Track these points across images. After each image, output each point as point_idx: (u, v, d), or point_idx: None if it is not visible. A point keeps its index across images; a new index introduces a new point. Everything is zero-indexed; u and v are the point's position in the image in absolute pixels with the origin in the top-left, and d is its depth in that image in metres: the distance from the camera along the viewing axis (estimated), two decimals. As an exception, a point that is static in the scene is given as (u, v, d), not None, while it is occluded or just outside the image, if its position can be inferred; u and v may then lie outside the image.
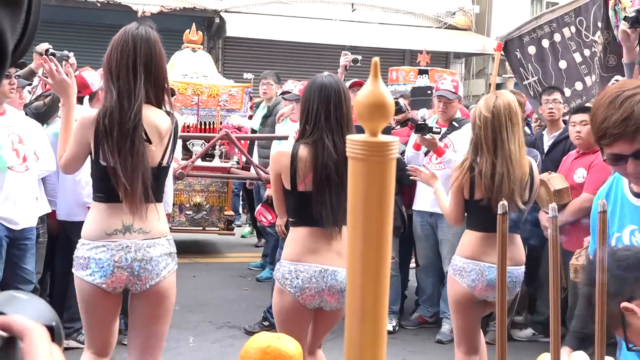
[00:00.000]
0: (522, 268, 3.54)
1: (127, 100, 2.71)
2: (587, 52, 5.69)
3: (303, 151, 2.88)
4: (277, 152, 2.97)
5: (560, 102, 5.32)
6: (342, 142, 2.81)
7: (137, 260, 2.75)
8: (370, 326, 0.47)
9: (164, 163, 2.86)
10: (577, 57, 5.73)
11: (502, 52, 6.07)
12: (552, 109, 5.32)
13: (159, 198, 2.86)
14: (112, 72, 2.76)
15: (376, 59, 0.47)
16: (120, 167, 2.68)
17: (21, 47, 0.61)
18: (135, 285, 2.77)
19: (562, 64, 5.83)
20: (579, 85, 5.77)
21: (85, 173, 3.75)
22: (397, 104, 5.46)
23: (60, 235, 4.57)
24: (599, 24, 5.53)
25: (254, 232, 8.34)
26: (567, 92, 5.80)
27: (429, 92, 5.75)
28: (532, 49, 5.91)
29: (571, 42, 5.75)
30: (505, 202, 0.91)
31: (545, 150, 5.36)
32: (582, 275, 4.42)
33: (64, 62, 4.59)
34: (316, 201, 2.85)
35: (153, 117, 2.80)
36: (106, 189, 2.77)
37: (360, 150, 0.46)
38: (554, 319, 1.19)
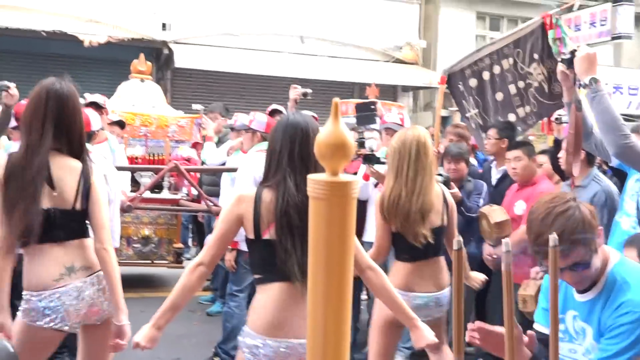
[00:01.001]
0: (446, 291, 3.69)
1: (32, 152, 2.83)
2: (521, 84, 5.88)
3: (267, 194, 2.64)
4: (238, 196, 2.71)
5: (491, 138, 5.48)
6: (305, 185, 2.57)
7: (91, 298, 2.90)
8: (331, 367, 0.47)
9: (77, 207, 2.91)
10: (512, 89, 5.91)
11: (446, 85, 6.20)
12: (486, 144, 5.50)
13: (85, 235, 2.97)
14: (24, 126, 2.91)
15: (336, 99, 0.47)
16: (24, 212, 2.78)
17: None
18: (91, 320, 2.95)
19: (499, 96, 6.00)
20: (511, 117, 5.94)
21: None
22: (362, 138, 5.50)
23: None
24: (535, 56, 5.73)
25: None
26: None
27: (372, 107, 5.84)
28: (473, 82, 6.06)
29: (508, 73, 5.93)
30: (460, 238, 0.92)
31: (494, 182, 5.47)
32: (531, 304, 4.53)
33: (3, 93, 4.50)
34: (280, 250, 2.57)
35: (63, 163, 2.91)
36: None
37: (322, 190, 0.46)
38: (509, 350, 1.21)
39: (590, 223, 2.12)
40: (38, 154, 2.83)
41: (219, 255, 2.72)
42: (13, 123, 4.31)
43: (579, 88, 3.02)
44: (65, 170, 2.90)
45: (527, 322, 4.78)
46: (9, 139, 4.74)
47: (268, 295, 2.62)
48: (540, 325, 2.46)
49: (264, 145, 5.10)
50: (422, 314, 3.49)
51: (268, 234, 2.61)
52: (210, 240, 2.72)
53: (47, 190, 2.85)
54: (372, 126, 6.02)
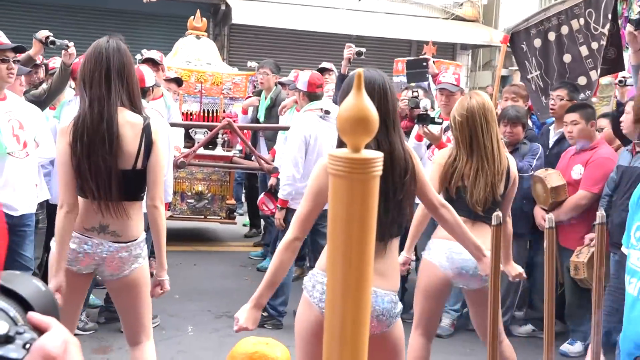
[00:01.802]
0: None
1: (99, 105, 2.89)
2: (594, 45, 5.59)
3: None
4: (322, 165, 2.56)
5: (562, 99, 5.26)
6: (387, 143, 2.53)
7: (103, 258, 2.99)
8: (349, 350, 0.45)
9: (139, 166, 2.96)
10: (584, 51, 5.64)
11: (509, 45, 6.00)
12: (553, 104, 5.28)
13: (133, 198, 3.03)
14: (85, 82, 2.94)
15: (360, 70, 0.44)
16: (88, 170, 2.88)
17: None
18: (102, 273, 3.06)
19: (567, 58, 5.74)
20: (582, 80, 5.68)
21: None
22: (416, 97, 5.39)
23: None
24: (609, 16, 5.45)
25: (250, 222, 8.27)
26: None
27: (424, 64, 5.71)
28: (537, 42, 5.82)
29: (579, 34, 5.66)
30: (500, 213, 0.88)
31: (551, 144, 5.32)
32: (583, 271, 4.43)
33: (62, 51, 4.57)
34: None
35: (125, 120, 2.94)
36: (82, 189, 2.97)
37: (342, 166, 0.43)
38: (548, 322, 1.17)
39: None
40: (106, 109, 2.88)
41: (310, 227, 2.66)
42: None
43: None
44: (127, 126, 2.93)
45: (578, 289, 4.72)
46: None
47: None
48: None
49: (314, 104, 5.07)
50: (463, 278, 3.45)
51: None
52: (301, 215, 2.61)
53: (118, 149, 2.90)
54: (422, 84, 5.90)
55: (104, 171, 2.87)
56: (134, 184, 2.99)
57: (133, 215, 3.02)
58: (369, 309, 0.46)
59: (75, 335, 4.17)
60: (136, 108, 2.99)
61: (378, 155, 0.45)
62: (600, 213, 1.13)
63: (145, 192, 3.03)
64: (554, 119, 5.52)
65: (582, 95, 5.64)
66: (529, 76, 5.91)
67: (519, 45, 5.91)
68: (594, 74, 5.58)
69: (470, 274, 3.42)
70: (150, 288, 3.14)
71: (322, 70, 6.49)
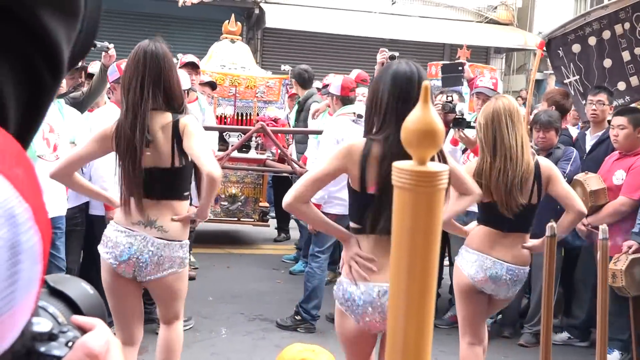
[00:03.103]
0: (526, 269, 3.54)
1: (133, 111, 2.99)
2: (637, 51, 5.49)
3: (375, 149, 2.57)
4: (349, 145, 2.65)
5: (604, 103, 5.17)
6: None
7: (149, 255, 3.04)
8: (412, 363, 0.45)
9: (177, 164, 3.06)
10: (626, 56, 5.53)
11: (544, 50, 5.93)
12: (595, 110, 5.19)
13: (179, 197, 3.13)
14: (124, 87, 3.06)
15: (427, 83, 0.44)
16: (128, 171, 3.01)
17: (75, 54, 0.63)
18: (139, 274, 3.09)
19: (607, 63, 5.64)
20: (621, 85, 5.58)
21: (103, 168, 4.16)
22: (450, 102, 5.34)
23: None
24: None
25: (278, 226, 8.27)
26: None
27: (459, 68, 5.66)
28: (576, 47, 5.74)
29: (622, 39, 5.55)
30: (554, 224, 0.87)
31: (587, 149, 5.24)
32: (621, 279, 4.35)
33: (102, 53, 4.65)
34: (379, 206, 2.52)
35: (157, 121, 3.04)
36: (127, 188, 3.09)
37: (407, 179, 0.43)
38: (601, 336, 1.15)
39: None
40: (138, 115, 2.98)
41: (311, 196, 2.69)
42: (116, 76, 4.43)
43: None
44: (158, 127, 3.03)
45: (616, 297, 4.63)
46: (109, 97, 4.91)
47: (369, 244, 2.64)
48: None
49: (347, 109, 5.07)
50: (492, 286, 3.42)
51: (373, 190, 2.59)
52: (306, 178, 2.64)
53: (143, 150, 3.01)
54: (458, 88, 5.85)
55: (135, 174, 3.00)
56: (174, 181, 3.10)
57: (178, 213, 3.11)
58: (431, 321, 0.46)
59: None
60: (175, 108, 3.08)
61: (444, 169, 0.44)
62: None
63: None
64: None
65: (621, 101, 5.55)
66: (566, 81, 5.83)
67: (555, 51, 5.84)
68: (634, 80, 5.48)
69: (499, 282, 3.41)
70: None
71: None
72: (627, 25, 5.46)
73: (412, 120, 0.44)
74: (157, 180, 3.04)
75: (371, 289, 2.60)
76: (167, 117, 3.04)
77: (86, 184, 3.32)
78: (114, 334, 4.40)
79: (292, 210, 2.69)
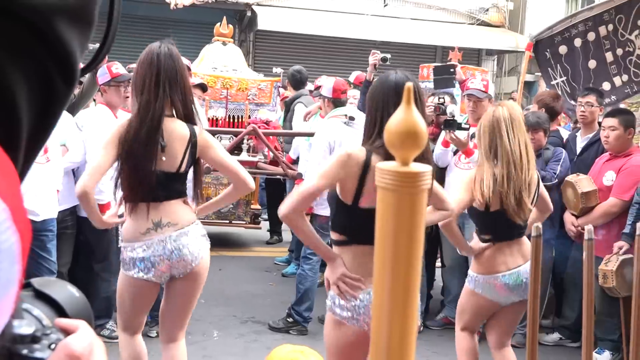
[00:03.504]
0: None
1: (146, 111, 2.95)
2: (619, 52, 5.55)
3: (375, 160, 2.52)
4: (347, 155, 2.58)
5: (593, 105, 5.21)
6: None
7: (175, 250, 3.04)
8: (396, 364, 0.45)
9: (182, 170, 3.08)
10: (609, 57, 5.60)
11: (532, 52, 5.97)
12: (583, 111, 5.22)
13: (177, 197, 3.12)
14: (137, 87, 3.01)
15: (410, 85, 0.44)
16: (131, 171, 2.97)
17: (94, 63, 0.64)
18: (177, 270, 3.09)
19: (592, 64, 5.71)
20: (606, 86, 5.65)
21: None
22: (441, 104, 5.36)
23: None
24: (639, 22, 5.40)
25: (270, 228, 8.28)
26: None
27: (451, 70, 5.68)
28: (563, 49, 5.80)
29: (606, 40, 5.61)
30: (540, 225, 0.87)
31: (578, 151, 5.26)
32: (612, 280, 4.37)
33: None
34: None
35: (172, 127, 3.02)
36: (130, 190, 3.07)
37: (390, 180, 0.43)
38: (586, 335, 1.16)
39: None
40: (151, 117, 2.95)
41: (307, 208, 2.74)
42: (107, 78, 4.42)
43: None
44: (174, 136, 3.01)
45: (607, 297, 4.65)
46: (95, 102, 4.89)
47: (351, 252, 2.63)
48: None
49: (338, 111, 5.08)
50: (519, 292, 3.40)
51: (367, 203, 2.54)
52: (303, 191, 2.62)
53: (158, 154, 2.99)
54: (449, 90, 5.87)
55: (149, 174, 2.97)
56: (176, 184, 3.11)
57: (180, 206, 3.11)
58: (415, 323, 0.46)
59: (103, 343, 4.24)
60: (188, 115, 3.07)
61: (427, 169, 0.45)
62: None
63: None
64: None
65: (607, 100, 5.59)
66: (553, 82, 5.88)
67: (542, 52, 5.89)
68: (617, 80, 5.54)
69: (523, 287, 3.40)
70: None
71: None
72: (610, 27, 5.52)
73: (395, 121, 0.44)
74: (162, 184, 3.04)
75: (368, 292, 2.61)
76: (184, 126, 3.04)
77: (95, 206, 3.16)
78: (116, 324, 4.39)
79: (288, 222, 2.69)
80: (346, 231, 2.66)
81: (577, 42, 5.72)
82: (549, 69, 5.86)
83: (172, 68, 2.98)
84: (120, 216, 3.23)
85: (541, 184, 3.54)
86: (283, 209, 2.62)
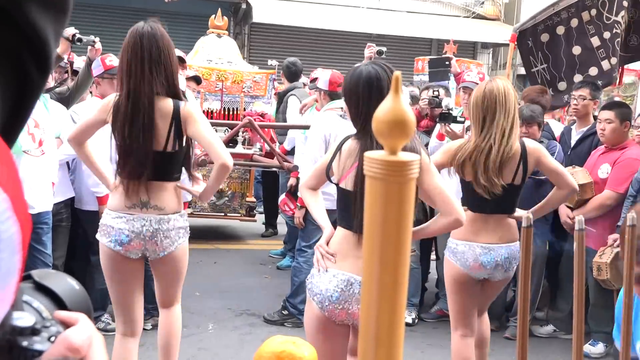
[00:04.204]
0: (516, 244, 3.52)
1: (135, 95, 3.01)
2: (606, 35, 5.53)
3: (351, 143, 2.70)
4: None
5: (585, 98, 5.20)
6: None
7: (152, 233, 3.11)
8: (385, 353, 0.45)
9: (169, 149, 3.09)
10: (595, 41, 5.58)
11: (516, 43, 5.93)
12: (576, 104, 5.23)
13: (169, 179, 3.17)
14: (123, 70, 3.04)
15: (397, 73, 0.44)
16: (125, 152, 3.05)
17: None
18: (149, 252, 3.17)
19: (576, 50, 5.68)
20: (593, 71, 5.63)
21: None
22: (436, 97, 5.35)
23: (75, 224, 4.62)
24: (624, 3, 5.39)
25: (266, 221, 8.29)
26: (579, 78, 5.69)
27: (447, 62, 5.67)
28: (545, 37, 5.77)
29: (589, 25, 5.60)
30: (530, 215, 0.88)
31: (572, 144, 5.27)
32: (606, 272, 4.39)
33: (89, 47, 4.62)
34: (354, 200, 2.63)
35: (158, 107, 3.06)
36: (121, 168, 3.14)
37: (378, 169, 0.43)
38: (577, 326, 1.16)
39: None
40: (142, 99, 3.00)
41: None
42: (100, 70, 4.41)
43: None
44: (158, 114, 3.05)
45: (601, 289, 4.67)
46: (91, 94, 4.88)
47: (336, 237, 2.74)
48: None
49: (334, 104, 5.07)
50: (488, 270, 3.43)
51: (343, 183, 2.70)
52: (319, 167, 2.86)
53: (150, 133, 3.05)
54: (444, 83, 5.87)
55: (139, 153, 3.03)
56: (166, 164, 3.14)
57: (170, 191, 3.16)
58: (403, 312, 0.46)
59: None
60: (174, 93, 3.11)
61: (415, 158, 0.45)
62: (632, 215, 1.11)
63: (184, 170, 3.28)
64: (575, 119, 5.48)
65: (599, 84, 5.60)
66: (533, 69, 5.86)
67: (524, 42, 5.87)
68: (605, 64, 5.54)
69: (494, 266, 3.42)
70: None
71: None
72: (593, 12, 5.51)
73: (383, 110, 0.44)
74: (151, 163, 3.07)
75: (337, 275, 2.67)
76: (168, 102, 3.07)
77: (94, 159, 3.28)
78: (114, 323, 4.44)
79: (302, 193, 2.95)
80: (337, 209, 2.83)
81: (560, 29, 5.70)
82: (530, 56, 5.85)
83: (157, 48, 3.01)
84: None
85: (545, 157, 3.47)
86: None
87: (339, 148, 2.72)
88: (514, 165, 3.37)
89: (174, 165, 3.19)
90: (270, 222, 8.03)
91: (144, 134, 3.02)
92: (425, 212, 5.09)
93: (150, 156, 3.06)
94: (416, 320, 5.30)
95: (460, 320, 3.51)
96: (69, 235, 4.56)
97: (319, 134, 4.88)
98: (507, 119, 3.30)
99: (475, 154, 3.33)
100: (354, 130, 2.76)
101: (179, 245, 3.22)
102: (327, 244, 2.74)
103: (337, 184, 2.74)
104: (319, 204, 2.91)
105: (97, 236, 3.18)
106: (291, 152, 6.40)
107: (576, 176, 4.68)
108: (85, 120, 3.24)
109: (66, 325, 0.67)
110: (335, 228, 2.79)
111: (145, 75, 3.00)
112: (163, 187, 3.14)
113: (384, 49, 5.42)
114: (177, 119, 3.07)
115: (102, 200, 4.35)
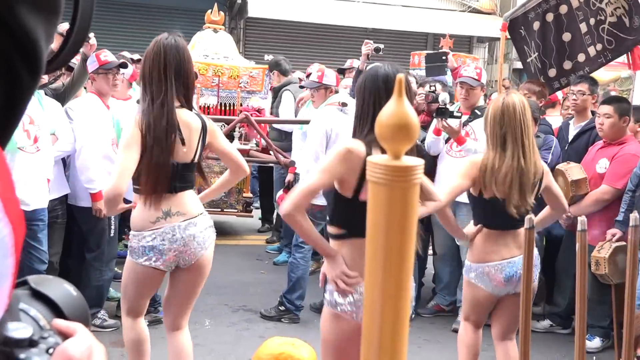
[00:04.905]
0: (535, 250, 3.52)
1: (160, 104, 3.02)
2: (592, 21, 5.53)
3: (376, 152, 2.48)
4: (347, 150, 2.56)
5: (584, 93, 5.19)
6: None
7: (184, 240, 3.11)
8: (388, 359, 0.44)
9: (195, 159, 3.18)
10: (583, 27, 5.57)
11: (508, 32, 5.89)
12: (575, 99, 5.22)
13: (189, 187, 3.21)
14: (145, 79, 3.07)
15: (401, 76, 0.43)
16: (151, 164, 3.01)
17: (63, 54, 0.62)
18: (183, 260, 3.16)
19: (566, 37, 5.67)
20: (581, 57, 5.62)
21: (90, 159, 4.31)
22: (433, 92, 5.33)
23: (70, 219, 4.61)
24: None
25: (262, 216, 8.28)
26: (568, 64, 5.67)
27: (443, 57, 5.66)
28: (536, 25, 5.75)
29: (579, 11, 5.58)
30: (533, 216, 0.87)
31: (570, 139, 5.26)
32: (604, 267, 4.39)
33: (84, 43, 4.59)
34: None
35: (186, 119, 3.10)
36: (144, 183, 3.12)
37: (382, 174, 0.42)
38: (579, 324, 1.16)
39: None
40: (166, 109, 3.01)
41: (307, 204, 2.66)
42: (95, 66, 4.40)
43: None
44: (188, 127, 3.10)
45: (598, 284, 4.67)
46: (86, 90, 4.85)
47: (351, 245, 2.62)
48: None
49: (334, 98, 5.07)
50: (512, 285, 3.39)
51: (367, 196, 2.55)
52: (304, 189, 2.60)
53: (178, 145, 3.06)
54: (441, 78, 5.85)
55: (164, 166, 3.03)
56: (189, 174, 3.19)
57: (190, 196, 3.19)
58: (407, 317, 0.45)
59: (94, 332, 4.24)
60: (190, 104, 3.17)
61: (419, 163, 0.44)
62: (635, 215, 1.11)
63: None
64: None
65: (580, 72, 5.59)
66: (528, 59, 5.84)
67: (517, 31, 5.84)
68: (592, 50, 5.53)
69: (518, 278, 3.37)
70: None
71: (342, 71, 6.60)
72: None
73: (387, 114, 0.43)
74: (178, 175, 3.11)
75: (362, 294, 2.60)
76: (193, 116, 3.14)
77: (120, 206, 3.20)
78: (110, 319, 4.46)
79: (289, 221, 2.63)
80: (345, 225, 2.65)
81: (549, 16, 5.68)
82: (524, 46, 5.83)
83: (177, 60, 3.05)
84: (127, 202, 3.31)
85: (552, 180, 3.44)
86: (284, 207, 2.59)
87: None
88: (537, 185, 3.34)
89: (193, 173, 3.24)
90: (267, 218, 8.02)
91: (169, 146, 3.03)
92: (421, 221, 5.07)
93: (175, 169, 3.08)
94: (413, 316, 5.30)
95: (471, 318, 3.58)
96: (64, 232, 4.55)
97: (320, 129, 4.87)
98: (528, 136, 3.25)
99: (511, 174, 3.22)
100: (352, 124, 2.74)
101: (208, 249, 3.23)
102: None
103: (352, 199, 2.57)
104: (316, 230, 2.75)
105: (130, 258, 3.16)
106: (279, 139, 6.48)
107: (571, 172, 4.67)
108: (122, 167, 3.03)
109: (65, 335, 0.66)
110: (328, 229, 2.74)
111: (167, 83, 3.03)
112: (183, 196, 3.15)
113: (382, 46, 5.41)
114: (204, 132, 3.16)
115: (95, 197, 4.34)
